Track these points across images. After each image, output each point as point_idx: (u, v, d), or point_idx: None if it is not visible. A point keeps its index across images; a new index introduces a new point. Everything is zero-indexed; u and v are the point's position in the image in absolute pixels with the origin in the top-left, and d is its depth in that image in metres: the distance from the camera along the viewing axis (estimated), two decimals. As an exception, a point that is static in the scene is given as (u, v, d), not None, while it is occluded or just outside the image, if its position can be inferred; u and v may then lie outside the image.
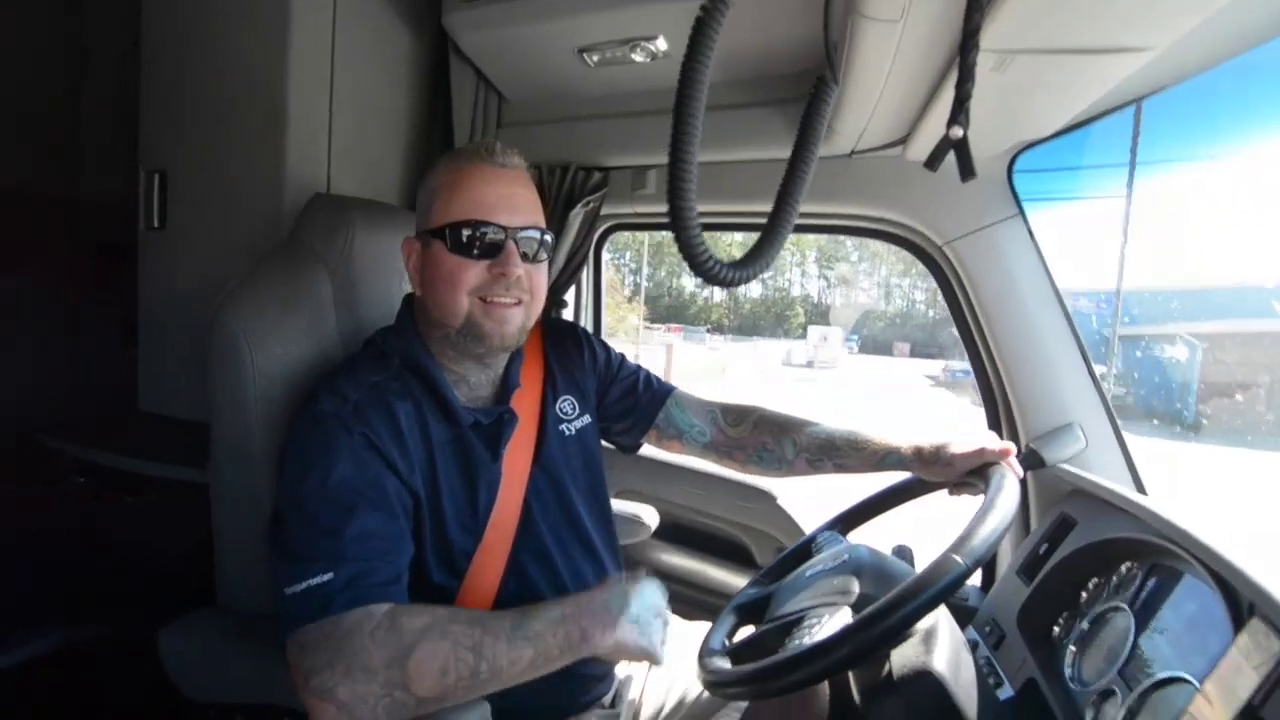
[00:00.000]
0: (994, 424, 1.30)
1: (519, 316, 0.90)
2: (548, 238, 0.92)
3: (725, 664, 0.80)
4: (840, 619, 0.75)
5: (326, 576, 0.73)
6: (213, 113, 1.34)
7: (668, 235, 0.67)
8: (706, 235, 0.68)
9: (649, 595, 0.82)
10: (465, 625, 0.74)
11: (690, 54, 0.70)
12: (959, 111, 0.60)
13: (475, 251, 0.86)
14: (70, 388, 1.97)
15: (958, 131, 0.61)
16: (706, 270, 0.75)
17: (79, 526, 1.82)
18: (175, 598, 1.02)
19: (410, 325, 0.94)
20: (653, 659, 0.81)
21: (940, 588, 0.65)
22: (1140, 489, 1.14)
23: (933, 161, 0.65)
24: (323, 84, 1.31)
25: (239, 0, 1.29)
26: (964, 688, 0.73)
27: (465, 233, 0.86)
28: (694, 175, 0.66)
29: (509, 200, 0.88)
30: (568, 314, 1.71)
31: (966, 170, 0.63)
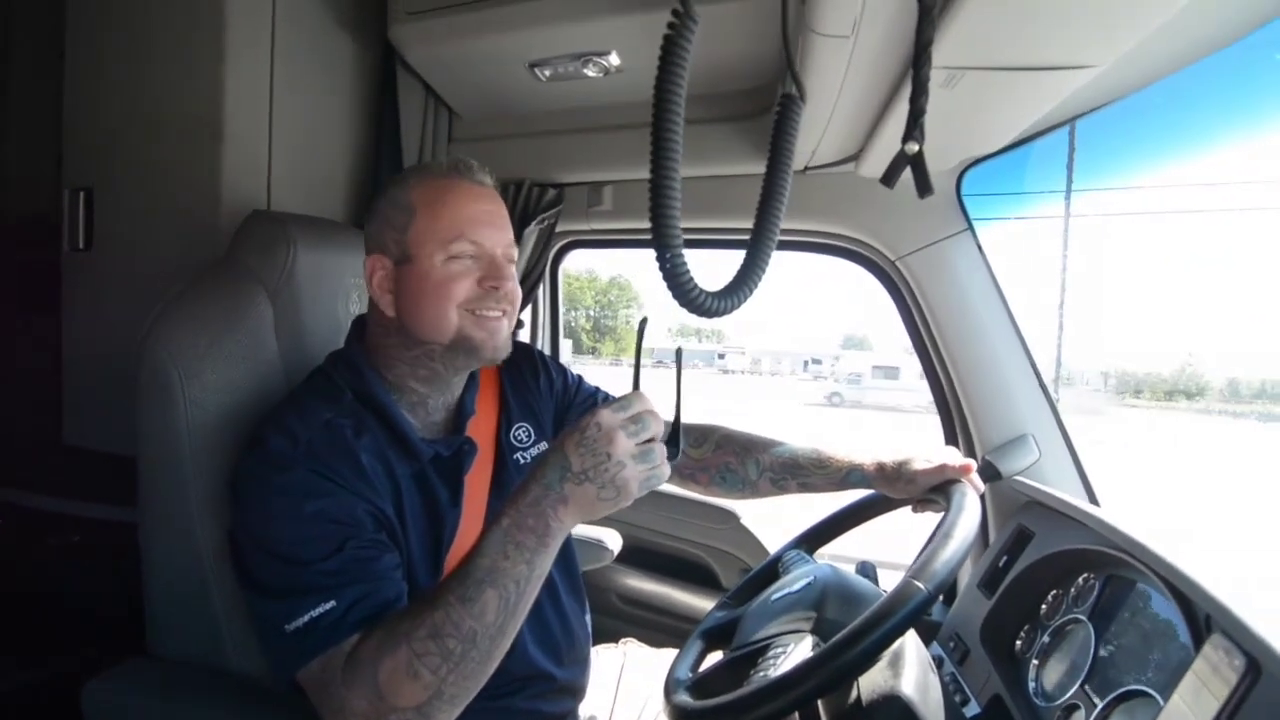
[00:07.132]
0: (949, 437, 1.32)
1: (506, 327, 0.90)
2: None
3: (691, 697, 0.77)
4: (805, 648, 0.73)
5: (329, 605, 0.70)
6: (143, 126, 1.26)
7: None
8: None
9: (591, 434, 0.66)
10: (413, 618, 0.68)
11: (663, 77, 0.67)
12: (914, 126, 0.59)
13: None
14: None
15: (913, 147, 0.60)
16: (691, 299, 0.73)
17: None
18: (101, 646, 0.95)
19: (360, 352, 0.89)
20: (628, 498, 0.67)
21: (901, 617, 0.64)
22: (1093, 499, 1.16)
23: (889, 178, 0.64)
24: (261, 95, 1.24)
25: (170, 6, 1.22)
26: (932, 709, 0.72)
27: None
28: (677, 201, 0.63)
29: (492, 217, 0.89)
30: (524, 334, 1.68)
31: (924, 186, 0.62)
